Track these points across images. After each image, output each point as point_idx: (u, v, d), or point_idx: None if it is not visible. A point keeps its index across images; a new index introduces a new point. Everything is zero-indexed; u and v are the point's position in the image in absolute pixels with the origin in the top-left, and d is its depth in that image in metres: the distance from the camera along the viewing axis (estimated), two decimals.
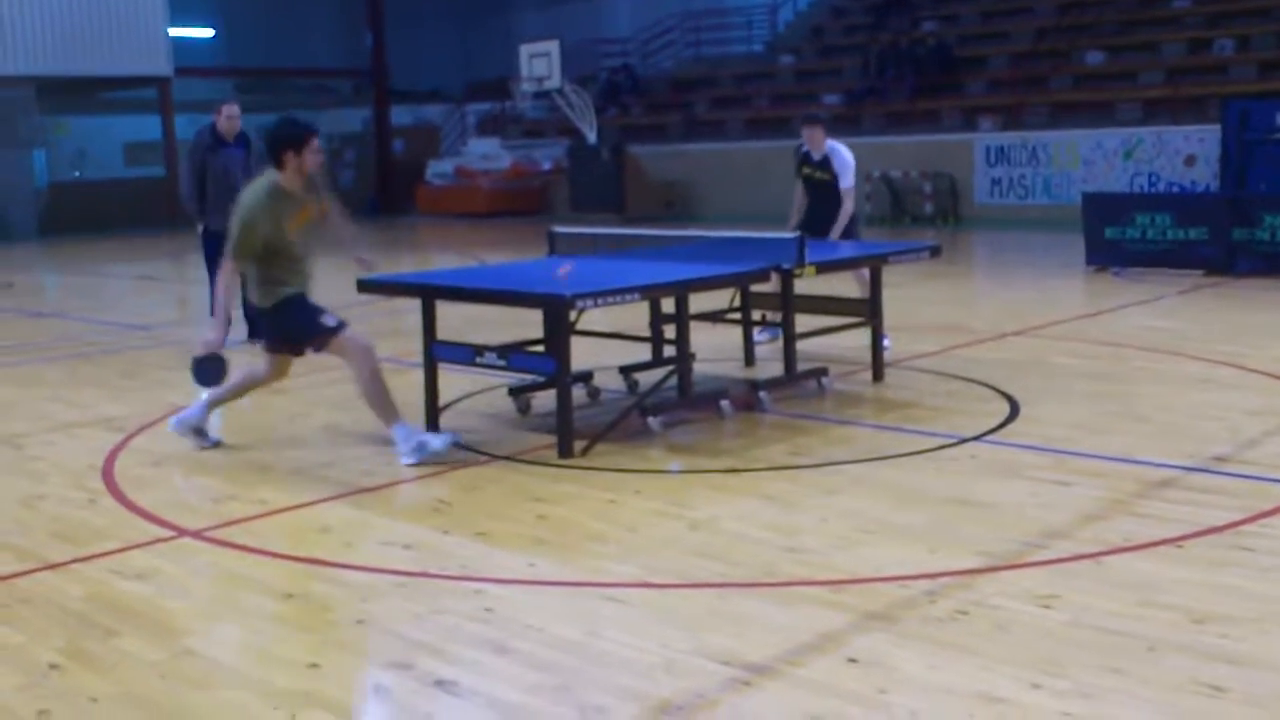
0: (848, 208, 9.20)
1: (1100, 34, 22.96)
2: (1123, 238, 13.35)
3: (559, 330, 6.41)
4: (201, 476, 6.33)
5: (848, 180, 9.19)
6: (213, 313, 7.22)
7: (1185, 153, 19.19)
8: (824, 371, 7.76)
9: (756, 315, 8.78)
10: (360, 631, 4.20)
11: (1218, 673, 3.63)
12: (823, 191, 9.31)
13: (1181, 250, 12.97)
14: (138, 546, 5.14)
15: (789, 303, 7.44)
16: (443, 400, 7.14)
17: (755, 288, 8.08)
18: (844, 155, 9.24)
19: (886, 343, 9.03)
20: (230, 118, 10.11)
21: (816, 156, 9.32)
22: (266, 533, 5.29)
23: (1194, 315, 10.60)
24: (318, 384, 8.58)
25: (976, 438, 6.49)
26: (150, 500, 5.80)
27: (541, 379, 7.13)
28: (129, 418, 7.62)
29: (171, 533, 5.31)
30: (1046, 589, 4.32)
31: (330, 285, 11.39)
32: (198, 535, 5.27)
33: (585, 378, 7.65)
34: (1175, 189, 18.84)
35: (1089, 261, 13.65)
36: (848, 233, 9.29)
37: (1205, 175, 18.78)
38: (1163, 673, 3.65)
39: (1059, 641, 3.89)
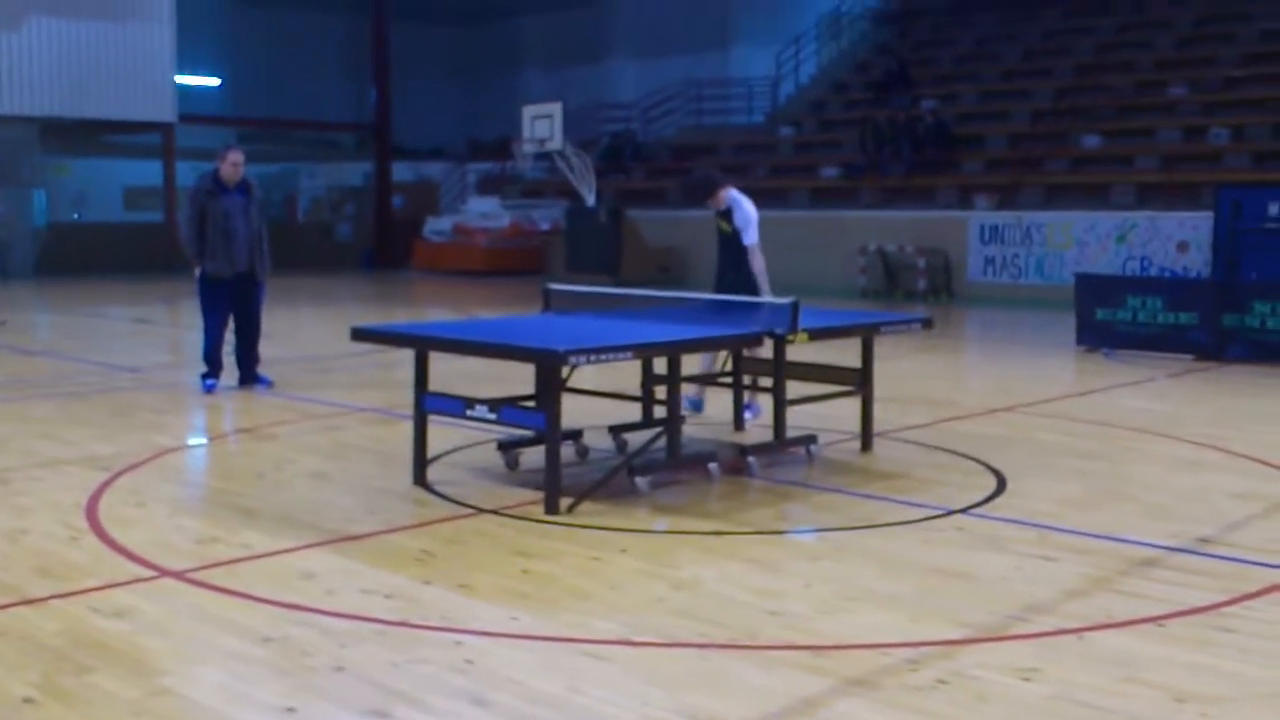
0: (757, 265, 8.85)
1: (1097, 118, 23.24)
2: (1114, 319, 13.43)
3: (550, 385, 6.42)
4: (186, 518, 6.31)
5: (750, 236, 8.82)
6: None
7: (1178, 238, 19.35)
8: (813, 439, 7.78)
9: (747, 380, 8.78)
10: (338, 678, 4.17)
11: None
12: (726, 243, 9.02)
13: (1172, 334, 13.05)
14: (118, 585, 5.12)
15: (781, 368, 7.47)
16: (432, 452, 7.14)
17: (747, 353, 8.11)
18: (745, 208, 8.88)
19: (752, 411, 8.81)
20: (235, 164, 10.18)
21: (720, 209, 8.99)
22: (248, 576, 5.27)
23: (1183, 398, 10.65)
24: (306, 430, 8.59)
25: (963, 510, 6.50)
26: (133, 539, 5.78)
27: (531, 434, 7.14)
28: (117, 457, 7.60)
29: (153, 572, 5.29)
30: (1028, 662, 4.32)
31: (322, 334, 11.49)
32: (179, 576, 5.25)
33: (575, 436, 7.65)
34: (1167, 274, 18.98)
35: (1080, 341, 13.72)
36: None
37: (1197, 261, 18.94)
38: None
39: (1039, 714, 3.88)
